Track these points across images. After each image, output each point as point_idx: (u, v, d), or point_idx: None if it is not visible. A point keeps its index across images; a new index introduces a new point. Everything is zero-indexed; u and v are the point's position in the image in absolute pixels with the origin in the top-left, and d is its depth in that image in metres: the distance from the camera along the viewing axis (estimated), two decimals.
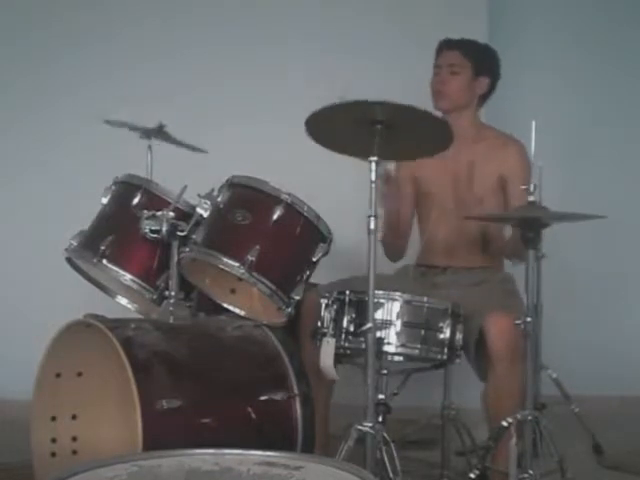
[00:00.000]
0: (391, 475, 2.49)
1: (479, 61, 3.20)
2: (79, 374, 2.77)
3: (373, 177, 2.47)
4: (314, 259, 2.71)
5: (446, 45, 3.22)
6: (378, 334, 2.56)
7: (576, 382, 3.70)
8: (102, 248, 2.77)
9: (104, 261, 2.79)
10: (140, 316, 2.93)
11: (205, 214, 2.70)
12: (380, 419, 2.57)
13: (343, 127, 2.50)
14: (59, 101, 4.07)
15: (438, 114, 2.85)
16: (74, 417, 2.78)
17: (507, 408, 2.72)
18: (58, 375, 2.73)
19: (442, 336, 2.70)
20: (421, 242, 3.37)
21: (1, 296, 4.05)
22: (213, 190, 2.74)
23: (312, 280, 2.80)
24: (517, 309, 2.82)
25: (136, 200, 2.82)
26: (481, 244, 3.19)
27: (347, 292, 2.69)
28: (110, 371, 2.60)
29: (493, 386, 2.85)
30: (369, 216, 2.47)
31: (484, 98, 3.26)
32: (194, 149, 3.08)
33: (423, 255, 3.32)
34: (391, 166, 3.05)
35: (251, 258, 2.58)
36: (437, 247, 3.25)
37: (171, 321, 2.74)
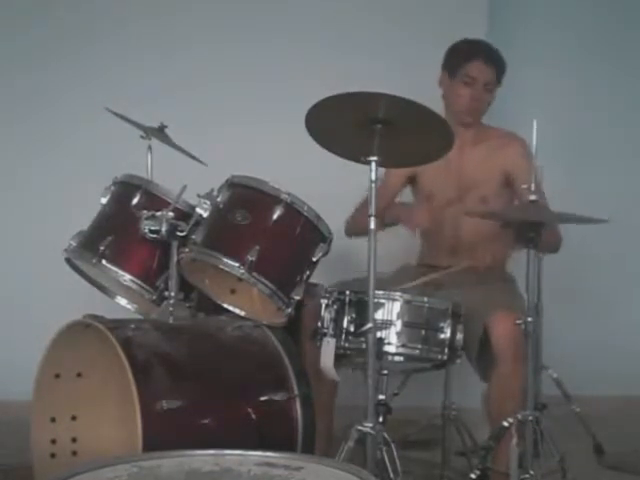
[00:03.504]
0: (391, 475, 2.48)
1: (501, 74, 3.21)
2: (79, 375, 2.76)
3: (373, 177, 2.46)
4: (314, 259, 2.71)
5: (485, 58, 3.15)
6: (378, 334, 2.55)
7: (577, 382, 3.70)
8: (101, 248, 2.77)
9: (103, 261, 2.78)
10: (140, 316, 2.93)
11: (205, 214, 2.70)
12: (380, 419, 2.56)
13: (343, 127, 2.50)
14: (59, 101, 4.06)
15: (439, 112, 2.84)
16: (74, 418, 2.77)
17: (510, 408, 2.72)
18: (57, 376, 2.72)
19: (443, 336, 2.69)
20: (422, 242, 3.36)
21: (1, 296, 4.04)
22: (213, 190, 2.73)
23: (312, 280, 2.80)
24: (521, 309, 2.81)
25: (135, 200, 2.82)
26: (484, 244, 3.18)
27: (347, 292, 2.69)
28: (110, 372, 2.59)
29: (496, 386, 2.84)
30: (369, 216, 2.47)
31: None
32: (193, 157, 3.08)
33: (424, 255, 3.32)
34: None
35: (251, 258, 2.58)
36: (439, 247, 3.24)
37: (171, 321, 2.73)
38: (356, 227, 3.16)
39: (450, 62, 3.21)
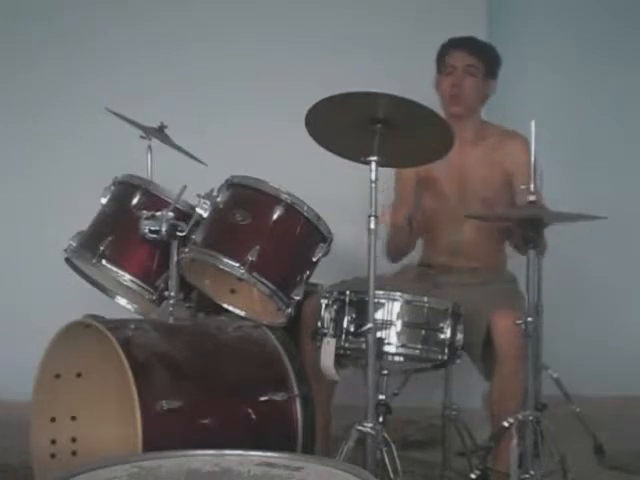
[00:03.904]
0: (392, 475, 2.48)
1: (489, 64, 3.17)
2: (78, 375, 2.76)
3: (373, 177, 2.46)
4: (314, 259, 2.71)
5: (461, 46, 3.15)
6: (378, 334, 2.55)
7: (577, 382, 3.69)
8: (101, 248, 2.78)
9: (103, 261, 2.79)
10: (139, 316, 2.92)
11: (205, 214, 2.70)
12: (381, 419, 2.56)
13: (343, 127, 2.50)
14: (59, 101, 4.06)
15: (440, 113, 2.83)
16: (73, 418, 2.77)
17: (511, 407, 2.72)
18: (57, 376, 2.72)
19: (443, 336, 2.69)
20: (423, 242, 3.35)
21: (1, 297, 4.04)
22: (213, 190, 2.73)
23: (312, 280, 2.80)
24: (522, 309, 2.80)
25: (135, 200, 2.82)
26: (486, 244, 3.18)
27: (347, 292, 2.69)
28: (110, 372, 2.59)
29: (498, 385, 2.84)
30: (369, 216, 2.47)
31: (487, 98, 3.25)
32: (193, 157, 3.08)
33: (426, 255, 3.31)
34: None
35: (251, 258, 2.58)
36: (441, 247, 3.23)
37: (171, 321, 2.73)
38: (394, 252, 3.18)
39: (437, 60, 3.22)
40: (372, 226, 2.46)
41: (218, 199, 2.71)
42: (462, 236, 3.18)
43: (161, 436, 2.35)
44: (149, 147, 3.05)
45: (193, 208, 2.74)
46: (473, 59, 3.14)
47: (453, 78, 3.15)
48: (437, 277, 3.17)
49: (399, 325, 2.65)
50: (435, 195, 3.24)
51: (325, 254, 2.73)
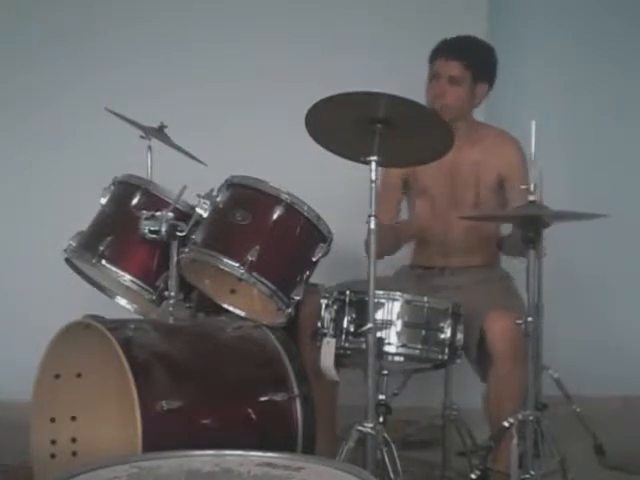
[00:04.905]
0: (392, 476, 2.48)
1: (479, 69, 3.11)
2: (78, 375, 2.76)
3: (373, 177, 2.46)
4: (314, 259, 2.71)
5: (446, 54, 3.08)
6: (378, 334, 2.55)
7: (578, 382, 3.69)
8: (101, 249, 2.77)
9: (103, 262, 2.79)
10: (139, 316, 2.92)
11: (205, 214, 2.70)
12: (381, 419, 2.56)
13: (343, 127, 2.50)
14: (59, 101, 4.06)
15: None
16: (73, 418, 2.77)
17: (508, 409, 2.71)
18: (57, 376, 2.72)
19: (443, 336, 2.69)
20: (415, 243, 3.34)
21: (1, 297, 4.04)
22: (212, 190, 2.73)
23: (312, 280, 2.79)
24: (518, 308, 2.80)
25: (135, 200, 2.82)
26: (478, 243, 3.17)
27: (347, 292, 2.69)
28: (110, 372, 2.59)
29: (494, 386, 2.84)
30: (369, 216, 2.47)
31: (480, 101, 3.21)
32: (193, 157, 3.08)
33: (418, 256, 3.29)
34: None
35: (251, 258, 2.58)
36: (433, 247, 3.22)
37: (171, 322, 2.73)
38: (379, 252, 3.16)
39: (428, 62, 3.16)
40: (372, 226, 2.46)
41: (218, 199, 2.71)
42: (453, 235, 3.17)
43: (161, 436, 2.35)
44: (149, 147, 3.05)
45: (193, 208, 2.74)
46: (457, 68, 3.06)
47: (436, 87, 3.09)
48: (432, 279, 3.15)
49: (399, 325, 2.65)
50: (424, 195, 3.23)
51: (325, 254, 2.72)
